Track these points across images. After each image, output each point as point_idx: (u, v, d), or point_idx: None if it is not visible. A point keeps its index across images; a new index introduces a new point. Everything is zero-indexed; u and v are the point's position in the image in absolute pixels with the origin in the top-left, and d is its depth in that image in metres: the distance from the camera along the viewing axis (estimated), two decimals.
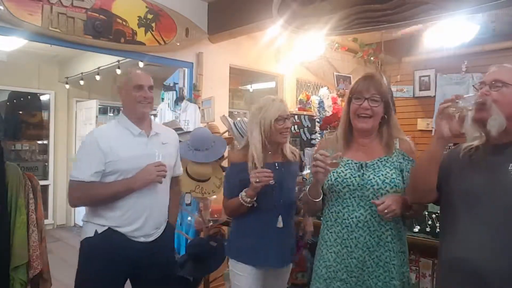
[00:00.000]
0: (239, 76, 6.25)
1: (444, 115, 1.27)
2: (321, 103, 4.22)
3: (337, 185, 1.57)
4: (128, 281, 2.03)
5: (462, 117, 1.26)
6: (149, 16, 3.55)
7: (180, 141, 2.83)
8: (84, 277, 1.91)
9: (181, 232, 3.07)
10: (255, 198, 1.88)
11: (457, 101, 1.26)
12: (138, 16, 3.48)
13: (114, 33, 3.33)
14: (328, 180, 1.59)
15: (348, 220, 1.55)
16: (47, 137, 6.49)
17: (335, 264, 1.58)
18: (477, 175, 1.33)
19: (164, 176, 1.93)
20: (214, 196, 2.86)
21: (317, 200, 1.57)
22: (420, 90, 4.90)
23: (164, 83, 4.15)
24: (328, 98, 4.28)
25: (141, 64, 4.30)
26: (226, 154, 2.90)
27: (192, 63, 4.00)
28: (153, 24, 3.58)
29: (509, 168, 1.28)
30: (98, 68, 5.56)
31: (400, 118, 4.80)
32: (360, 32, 3.09)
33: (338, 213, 1.58)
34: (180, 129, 3.14)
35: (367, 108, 1.56)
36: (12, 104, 6.51)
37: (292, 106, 4.64)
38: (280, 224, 1.94)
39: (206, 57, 4.04)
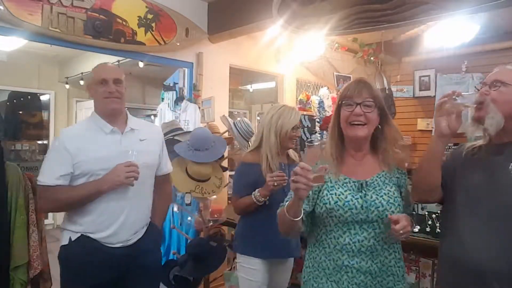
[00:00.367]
0: (239, 76, 6.25)
1: (442, 111, 1.28)
2: (321, 103, 4.22)
3: (338, 209, 1.39)
4: None
5: (459, 114, 1.26)
6: (149, 16, 3.55)
7: (180, 141, 2.83)
8: (65, 286, 1.83)
9: (181, 232, 3.07)
10: (268, 197, 2.05)
11: (455, 97, 1.27)
12: (138, 16, 3.48)
13: (114, 33, 3.33)
14: (326, 204, 1.41)
15: (350, 245, 1.39)
16: (47, 137, 6.49)
17: None
18: (478, 174, 1.34)
19: (136, 178, 1.76)
20: (214, 196, 2.86)
21: (297, 219, 1.33)
22: (420, 90, 4.91)
23: (164, 83, 4.15)
24: (328, 98, 4.27)
25: (141, 64, 4.31)
26: (226, 154, 2.90)
27: (192, 63, 4.00)
28: (153, 24, 3.58)
29: (510, 167, 1.28)
30: None
31: (400, 118, 4.81)
32: (360, 32, 3.09)
33: (339, 238, 1.41)
34: (180, 129, 3.14)
35: (360, 114, 1.40)
36: (12, 104, 6.51)
37: None
38: None
39: (206, 57, 4.04)
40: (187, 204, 2.85)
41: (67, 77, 6.28)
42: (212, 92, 3.96)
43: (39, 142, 6.63)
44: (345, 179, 1.44)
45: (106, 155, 1.78)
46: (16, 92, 6.34)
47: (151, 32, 3.57)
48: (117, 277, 1.83)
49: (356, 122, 1.41)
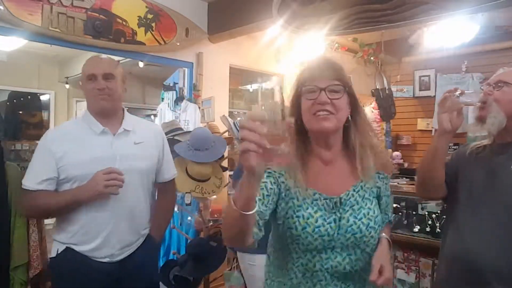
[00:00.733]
0: (239, 76, 6.25)
1: (444, 108, 1.28)
2: None
3: (306, 237, 1.11)
4: None
5: (460, 111, 1.27)
6: (149, 16, 3.55)
7: (180, 141, 2.83)
8: None
9: (181, 232, 3.07)
10: None
11: (457, 94, 1.27)
12: (138, 16, 3.48)
13: (114, 33, 3.33)
14: (292, 229, 1.12)
15: (321, 271, 1.14)
16: None
17: None
18: (480, 173, 1.36)
19: (120, 186, 1.55)
20: (214, 196, 2.86)
21: (248, 213, 0.91)
22: (420, 90, 4.91)
23: (164, 83, 4.15)
24: None
25: (141, 64, 4.30)
26: (226, 154, 2.90)
27: (192, 63, 4.00)
28: (153, 24, 3.58)
29: (511, 167, 1.29)
30: None
31: (400, 118, 4.82)
32: (360, 32, 3.09)
33: (307, 264, 1.14)
34: (180, 129, 3.14)
35: (326, 101, 1.10)
36: (12, 104, 6.50)
37: None
38: None
39: (206, 57, 4.04)
40: (187, 204, 2.84)
41: (67, 77, 6.28)
42: (212, 92, 3.96)
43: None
44: (314, 194, 1.13)
45: (93, 159, 1.58)
46: (16, 92, 6.34)
47: (151, 32, 3.57)
48: None
49: (321, 113, 1.11)
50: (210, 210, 2.97)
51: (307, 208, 1.13)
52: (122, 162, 1.62)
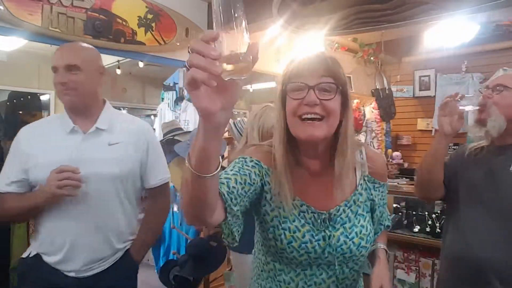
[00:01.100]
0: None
1: (445, 112, 1.30)
2: None
3: (292, 252, 0.99)
4: None
5: (461, 115, 1.29)
6: (149, 16, 3.55)
7: (180, 141, 2.83)
8: None
9: (181, 232, 3.07)
10: None
11: (457, 99, 1.29)
12: (138, 16, 3.48)
13: (114, 33, 3.33)
14: (277, 241, 1.00)
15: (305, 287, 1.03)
16: None
17: None
18: (479, 174, 1.37)
19: (76, 186, 1.34)
20: None
21: (206, 175, 0.71)
22: (420, 90, 4.91)
23: (164, 83, 4.15)
24: None
25: (141, 64, 4.30)
26: (226, 154, 2.89)
27: None
28: (153, 24, 3.58)
29: (510, 168, 1.30)
30: None
31: (400, 118, 4.82)
32: (360, 32, 3.09)
33: (289, 283, 1.02)
34: (180, 129, 3.14)
35: (315, 102, 0.92)
36: (12, 104, 6.50)
37: None
38: None
39: None
40: None
41: None
42: None
43: None
44: (301, 206, 1.01)
45: (57, 162, 1.37)
46: (16, 92, 6.33)
47: (151, 32, 3.57)
48: None
49: (309, 115, 0.93)
50: None
51: (294, 220, 1.00)
52: (89, 167, 1.39)
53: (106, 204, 1.46)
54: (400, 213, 2.61)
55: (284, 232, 0.99)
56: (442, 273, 1.49)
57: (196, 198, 0.76)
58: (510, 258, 1.25)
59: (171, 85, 4.02)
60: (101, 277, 1.46)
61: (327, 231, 1.00)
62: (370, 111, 4.61)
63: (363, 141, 4.43)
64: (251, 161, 1.00)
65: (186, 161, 0.72)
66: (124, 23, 3.40)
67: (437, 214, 2.34)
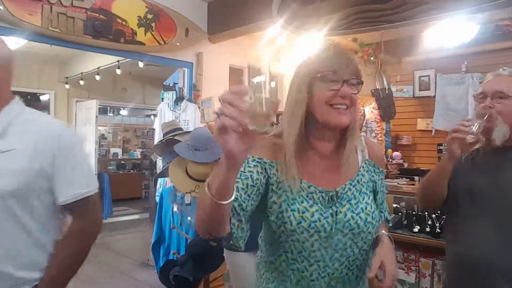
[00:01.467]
0: (239, 76, 6.26)
1: (455, 140, 1.30)
2: None
3: (302, 232, 1.02)
4: None
5: (475, 143, 1.29)
6: (149, 16, 3.55)
7: (180, 141, 2.83)
8: None
9: (181, 232, 3.07)
10: None
11: (466, 126, 1.27)
12: (138, 16, 3.49)
13: (114, 33, 3.33)
14: (286, 224, 1.03)
15: (318, 280, 1.05)
16: None
17: None
18: (481, 176, 1.37)
19: None
20: None
21: (223, 202, 0.82)
22: (420, 90, 4.90)
23: (164, 83, 4.15)
24: None
25: (141, 64, 4.31)
26: None
27: (192, 63, 4.00)
28: (153, 24, 3.58)
29: None
30: (98, 68, 5.56)
31: (400, 118, 4.81)
32: (360, 32, 3.09)
33: (303, 272, 1.05)
34: (180, 129, 3.14)
35: (348, 95, 1.03)
36: None
37: None
38: None
39: (206, 57, 4.04)
40: (187, 204, 2.84)
41: (67, 77, 6.29)
42: (212, 92, 3.96)
43: None
44: (309, 187, 1.06)
45: None
46: (16, 92, 6.29)
47: (151, 32, 3.57)
48: None
49: (339, 105, 1.03)
50: None
51: (302, 202, 1.04)
52: None
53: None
54: (400, 213, 2.61)
55: (293, 213, 1.03)
56: (448, 275, 1.49)
57: (213, 219, 0.87)
58: None
59: (171, 85, 4.02)
60: None
61: (334, 208, 1.05)
62: (370, 111, 4.61)
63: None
64: (253, 160, 1.05)
65: (206, 188, 0.82)
66: (124, 23, 3.40)
67: (437, 214, 2.34)
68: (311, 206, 1.04)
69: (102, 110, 9.10)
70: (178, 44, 3.76)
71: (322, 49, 1.12)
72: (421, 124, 4.91)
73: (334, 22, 2.88)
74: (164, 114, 3.97)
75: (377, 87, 4.88)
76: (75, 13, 3.09)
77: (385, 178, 1.61)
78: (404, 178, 3.82)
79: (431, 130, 4.74)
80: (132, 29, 3.45)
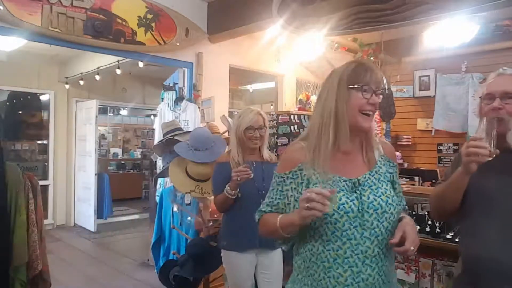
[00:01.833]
0: (239, 76, 6.25)
1: (470, 154, 1.25)
2: None
3: (333, 214, 1.18)
4: None
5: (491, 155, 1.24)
6: (149, 16, 3.55)
7: (180, 141, 2.83)
8: None
9: (181, 232, 3.07)
10: (238, 190, 2.12)
11: (483, 148, 1.22)
12: (138, 16, 3.49)
13: (114, 33, 3.33)
14: None
15: (352, 258, 1.19)
16: (47, 137, 6.49)
17: None
18: (490, 178, 1.34)
19: None
20: None
21: (289, 236, 1.25)
22: (420, 90, 4.91)
23: (164, 83, 4.15)
24: None
25: (141, 64, 4.31)
26: None
27: (192, 63, 4.00)
28: (153, 24, 3.58)
29: None
30: (98, 68, 5.56)
31: (400, 118, 4.81)
32: (360, 32, 3.09)
33: (338, 250, 1.20)
34: (180, 129, 3.14)
35: (377, 103, 1.26)
36: (12, 104, 6.50)
37: (292, 106, 4.64)
38: None
39: (206, 57, 4.04)
40: (187, 204, 2.84)
41: (67, 77, 6.28)
42: (212, 92, 3.96)
43: (39, 142, 6.63)
44: (334, 177, 1.24)
45: None
46: (16, 92, 6.34)
47: (151, 32, 3.57)
48: None
49: (367, 111, 1.25)
50: (210, 210, 2.97)
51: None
52: None
53: None
54: None
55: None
56: (459, 277, 1.48)
57: (274, 237, 1.32)
58: None
59: (171, 85, 4.02)
60: None
61: (357, 192, 1.23)
62: None
63: None
64: (288, 178, 1.30)
65: (278, 224, 1.23)
66: (124, 23, 3.40)
67: None
68: (338, 192, 1.20)
69: (102, 110, 9.10)
70: (178, 44, 3.76)
71: (355, 65, 1.29)
72: (421, 124, 4.91)
73: (334, 22, 2.88)
74: (164, 114, 3.97)
75: None
76: (75, 13, 3.09)
77: None
78: (404, 178, 3.82)
79: (431, 130, 4.74)
80: (132, 29, 3.45)
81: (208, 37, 4.02)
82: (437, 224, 2.27)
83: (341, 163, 1.27)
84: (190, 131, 3.02)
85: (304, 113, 4.25)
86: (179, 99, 3.88)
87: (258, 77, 6.19)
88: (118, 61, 5.02)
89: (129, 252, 5.06)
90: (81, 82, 6.15)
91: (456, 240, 2.11)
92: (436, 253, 2.25)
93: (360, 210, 1.20)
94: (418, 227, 2.33)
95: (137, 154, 10.25)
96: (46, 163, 6.49)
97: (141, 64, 4.30)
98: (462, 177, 1.32)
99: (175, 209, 3.09)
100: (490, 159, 1.21)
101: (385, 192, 1.25)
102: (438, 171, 3.71)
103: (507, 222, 1.30)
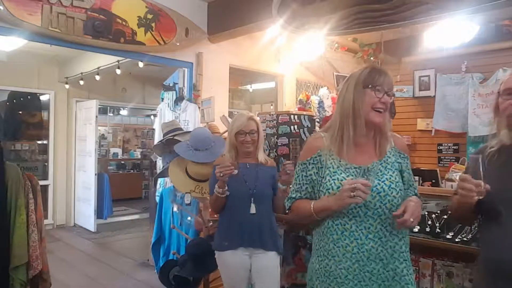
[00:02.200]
0: (239, 76, 6.25)
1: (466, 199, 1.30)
2: (320, 103, 4.22)
3: None
4: None
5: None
6: (149, 16, 3.55)
7: (180, 141, 2.83)
8: None
9: (181, 232, 3.07)
10: (226, 188, 2.15)
11: (477, 191, 1.26)
12: (138, 16, 3.49)
13: (114, 33, 3.33)
14: (329, 189, 1.43)
15: (357, 232, 1.40)
16: (46, 137, 6.49)
17: (347, 282, 1.40)
18: (508, 178, 1.33)
19: None
20: None
21: (319, 218, 1.45)
22: (420, 90, 4.90)
23: (164, 83, 4.15)
24: (328, 98, 4.28)
25: (141, 64, 4.31)
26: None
27: (192, 63, 4.00)
28: (153, 24, 3.58)
29: None
30: (98, 68, 5.56)
31: (400, 118, 4.81)
32: (360, 32, 3.09)
33: (345, 225, 1.41)
34: (180, 129, 3.14)
35: (388, 102, 1.45)
36: (12, 104, 6.51)
37: (291, 106, 4.64)
38: (252, 210, 2.18)
39: (206, 57, 4.04)
40: (187, 204, 2.84)
41: (67, 77, 6.28)
42: (212, 92, 3.96)
43: (39, 142, 6.63)
44: (346, 164, 1.45)
45: None
46: (16, 92, 6.34)
47: (151, 32, 3.57)
48: None
49: (379, 109, 1.44)
50: (210, 210, 2.97)
51: (341, 173, 1.44)
52: None
53: None
54: None
55: (334, 181, 1.43)
56: (477, 279, 1.48)
57: (307, 220, 1.53)
58: None
59: (171, 85, 4.02)
60: None
61: (365, 177, 1.36)
62: None
63: None
64: (310, 163, 1.51)
65: (312, 209, 1.44)
66: (124, 23, 3.40)
67: (437, 214, 2.34)
68: (347, 176, 1.43)
69: (102, 110, 9.10)
70: (178, 44, 3.76)
71: (370, 69, 1.48)
72: (421, 124, 4.90)
73: (334, 22, 2.88)
74: (164, 114, 3.97)
75: None
76: (75, 13, 3.09)
77: None
78: None
79: (431, 130, 4.74)
80: (132, 29, 3.45)
81: (208, 37, 4.02)
82: (437, 224, 2.27)
83: (355, 153, 1.47)
84: (190, 131, 3.02)
85: (304, 113, 4.25)
86: (179, 99, 3.88)
87: (258, 77, 6.20)
88: (118, 61, 5.02)
89: (129, 252, 5.06)
90: (81, 82, 6.15)
91: (456, 240, 2.11)
92: (436, 253, 2.25)
93: None
94: (418, 227, 2.32)
95: (137, 154, 10.25)
96: (46, 163, 6.49)
97: (141, 64, 4.30)
98: (463, 205, 1.35)
99: (175, 209, 3.09)
100: (481, 197, 1.26)
101: (390, 178, 1.44)
102: (438, 171, 3.71)
103: None
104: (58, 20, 3.00)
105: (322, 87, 4.62)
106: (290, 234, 2.85)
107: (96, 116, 6.16)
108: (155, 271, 3.37)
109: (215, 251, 2.29)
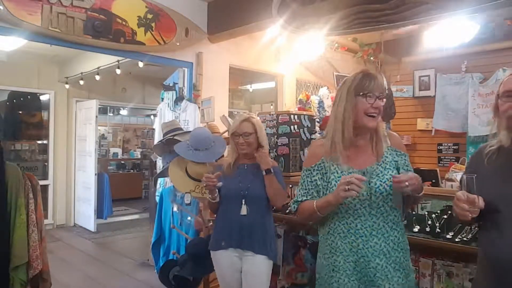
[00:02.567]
0: (239, 76, 6.26)
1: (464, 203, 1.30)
2: (320, 103, 4.22)
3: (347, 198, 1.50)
4: None
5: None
6: (149, 16, 3.55)
7: (180, 141, 2.83)
8: None
9: (181, 232, 3.07)
10: (216, 194, 2.20)
11: (473, 210, 1.27)
12: (138, 16, 3.49)
13: (113, 33, 3.33)
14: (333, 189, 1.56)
15: (361, 229, 1.53)
16: (46, 137, 6.49)
17: (355, 273, 1.54)
18: (508, 179, 1.33)
19: None
20: None
21: (322, 215, 1.54)
22: (420, 90, 4.90)
23: (164, 83, 4.15)
24: (327, 98, 4.27)
25: (141, 64, 4.31)
26: (226, 154, 2.89)
27: (192, 63, 4.00)
28: (153, 24, 3.58)
29: None
30: (98, 68, 5.56)
31: (400, 118, 4.81)
32: (360, 32, 3.09)
33: (351, 224, 1.54)
34: (180, 129, 3.14)
35: (380, 107, 1.53)
36: (12, 104, 6.51)
37: (292, 106, 4.64)
38: (243, 211, 2.19)
39: (206, 57, 4.04)
40: (187, 204, 2.84)
41: (67, 77, 6.28)
42: (212, 92, 3.96)
43: (39, 142, 6.63)
44: (349, 169, 1.55)
45: None
46: (16, 92, 6.34)
47: (151, 32, 3.57)
48: None
49: (372, 113, 1.52)
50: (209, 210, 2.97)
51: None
52: None
53: None
54: None
55: (336, 183, 1.51)
56: (477, 278, 1.48)
57: (311, 219, 1.69)
58: None
59: (171, 85, 4.02)
60: None
61: (367, 179, 1.48)
62: None
63: None
64: (314, 170, 1.62)
65: (315, 207, 1.53)
66: (124, 23, 3.40)
67: (437, 214, 2.34)
68: None
69: (102, 110, 9.10)
70: (178, 44, 3.76)
71: (361, 75, 1.55)
72: (421, 124, 4.91)
73: (334, 22, 2.88)
74: (164, 114, 3.97)
75: None
76: (75, 13, 3.09)
77: None
78: None
79: (431, 130, 4.74)
80: (132, 29, 3.45)
81: (208, 37, 4.02)
82: (437, 224, 2.27)
83: (354, 155, 1.57)
84: (190, 131, 3.02)
85: (304, 113, 4.25)
86: (179, 99, 3.88)
87: (258, 77, 6.20)
88: (118, 61, 5.02)
89: (129, 252, 5.06)
90: (81, 82, 6.15)
91: (456, 240, 2.11)
92: (436, 253, 2.25)
93: (369, 194, 1.51)
94: (418, 227, 2.33)
95: (137, 154, 10.25)
96: (46, 163, 6.49)
97: (141, 64, 4.30)
98: (462, 220, 1.35)
99: (175, 209, 3.09)
100: (475, 215, 1.27)
101: (389, 178, 1.52)
102: (438, 171, 3.71)
103: None
104: (58, 20, 3.00)
105: (322, 87, 4.62)
106: (290, 234, 2.85)
107: (96, 116, 6.16)
108: (155, 271, 3.37)
109: (210, 251, 2.32)
